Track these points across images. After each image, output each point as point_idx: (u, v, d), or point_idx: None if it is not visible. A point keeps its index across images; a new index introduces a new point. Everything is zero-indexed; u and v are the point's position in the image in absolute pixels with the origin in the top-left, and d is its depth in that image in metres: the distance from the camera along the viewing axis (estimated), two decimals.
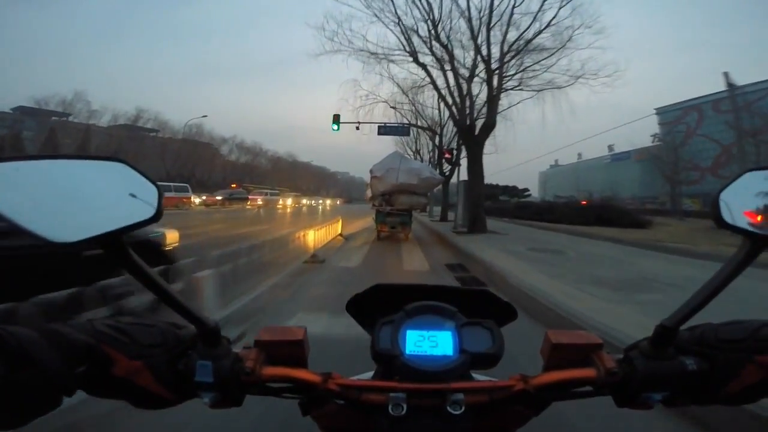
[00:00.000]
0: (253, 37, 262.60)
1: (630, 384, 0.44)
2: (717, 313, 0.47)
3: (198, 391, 0.43)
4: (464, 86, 13.33)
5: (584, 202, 25.71)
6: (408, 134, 22.46)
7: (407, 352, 0.48)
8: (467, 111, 13.18)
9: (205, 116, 58.39)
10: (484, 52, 12.97)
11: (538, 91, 13.92)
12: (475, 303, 0.55)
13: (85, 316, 2.87)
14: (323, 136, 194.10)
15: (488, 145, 13.29)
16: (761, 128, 26.07)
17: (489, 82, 12.79)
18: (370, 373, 0.56)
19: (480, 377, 0.53)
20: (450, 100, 13.52)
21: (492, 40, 12.86)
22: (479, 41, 13.02)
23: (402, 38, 13.70)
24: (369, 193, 12.42)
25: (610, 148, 64.49)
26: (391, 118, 20.56)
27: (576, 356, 0.47)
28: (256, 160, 74.84)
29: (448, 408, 0.43)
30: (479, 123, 13.30)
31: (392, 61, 14.97)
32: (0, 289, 2.50)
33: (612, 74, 13.15)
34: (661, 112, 52.43)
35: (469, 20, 12.93)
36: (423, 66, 13.97)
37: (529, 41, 12.74)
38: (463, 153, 16.84)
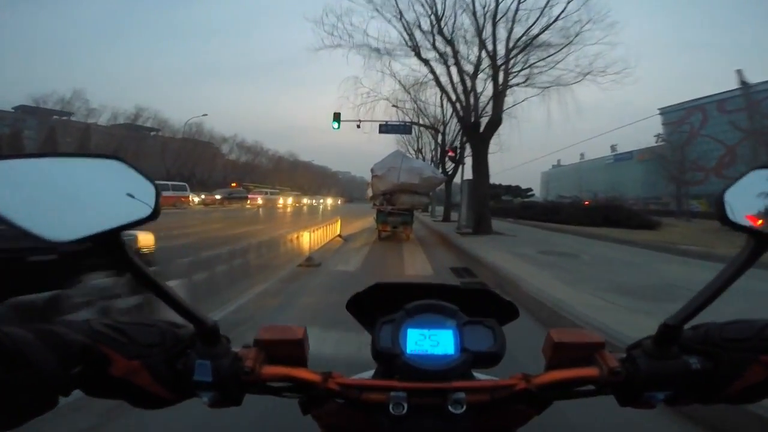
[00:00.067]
0: (254, 36, 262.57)
1: (633, 383, 0.44)
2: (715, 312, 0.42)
3: (197, 391, 0.43)
4: (468, 82, 12.87)
5: (587, 203, 25.29)
6: (410, 132, 22.05)
7: (408, 351, 0.47)
8: (472, 108, 12.70)
9: (205, 115, 58.23)
10: (490, 47, 12.52)
11: (546, 88, 13.44)
12: (476, 302, 0.54)
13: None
14: (324, 135, 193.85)
15: (492, 144, 12.82)
16: None
17: (495, 77, 12.32)
18: (371, 372, 0.55)
19: (481, 376, 0.52)
20: (453, 97, 13.06)
21: (497, 35, 12.43)
22: (484, 36, 12.59)
23: (404, 33, 13.27)
24: (370, 192, 12.22)
25: (613, 148, 64.01)
26: (392, 117, 20.25)
27: (578, 355, 0.46)
28: (256, 160, 74.37)
29: (450, 407, 0.42)
30: (484, 121, 12.84)
31: (393, 57, 14.54)
32: None
33: (621, 71, 12.66)
34: (665, 112, 51.96)
35: (474, 14, 12.49)
36: (426, 62, 13.50)
37: (535, 36, 12.26)
38: (467, 151, 16.42)
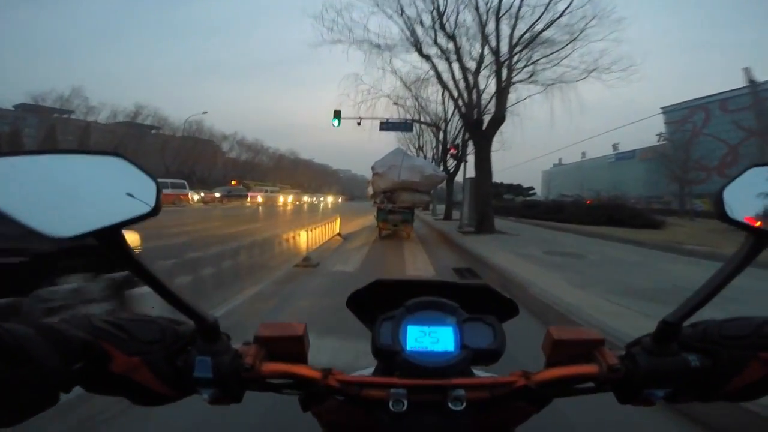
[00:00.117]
0: (254, 34, 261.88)
1: (632, 380, 0.44)
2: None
3: (197, 387, 0.43)
4: (471, 79, 12.59)
5: (589, 201, 25.06)
6: (411, 130, 21.79)
7: (408, 348, 0.47)
8: (474, 104, 12.44)
9: (205, 113, 57.72)
10: (493, 43, 12.22)
11: (550, 84, 13.15)
12: (476, 298, 0.54)
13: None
14: (325, 133, 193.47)
15: (495, 142, 12.52)
16: None
17: (498, 73, 12.03)
18: (371, 369, 0.55)
19: (481, 373, 0.52)
20: (455, 94, 12.80)
21: (500, 31, 12.13)
22: (487, 32, 12.30)
23: (405, 29, 13.00)
24: (370, 190, 12.11)
25: (615, 147, 63.73)
26: (393, 114, 20.02)
27: (578, 352, 0.46)
28: (257, 158, 74.11)
29: (449, 404, 0.42)
30: (486, 119, 12.56)
31: (394, 53, 14.29)
32: None
33: (627, 68, 12.37)
34: (667, 111, 51.74)
35: (477, 10, 12.21)
36: (427, 57, 13.24)
37: (539, 33, 11.98)
38: (469, 149, 16.18)
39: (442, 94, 19.01)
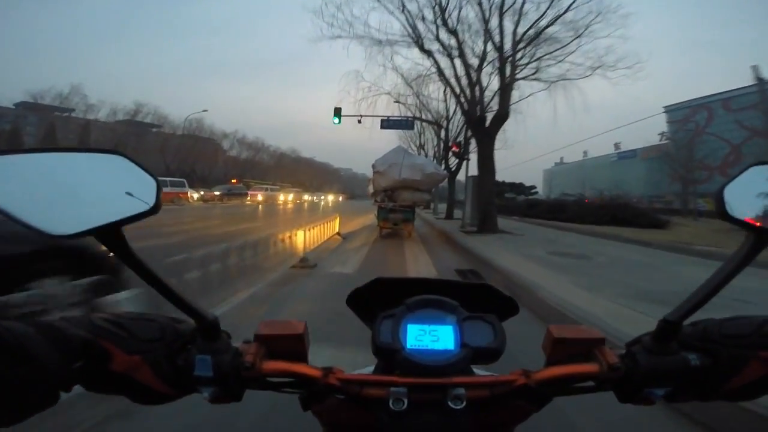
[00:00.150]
0: (255, 33, 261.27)
1: (632, 379, 0.43)
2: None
3: (197, 386, 0.43)
4: (473, 75, 12.33)
5: (587, 200, 24.82)
6: (412, 128, 21.50)
7: (408, 346, 0.47)
8: (477, 101, 12.18)
9: (206, 111, 56.63)
10: (497, 39, 11.97)
11: (554, 81, 12.88)
12: (476, 297, 0.54)
13: None
14: (326, 132, 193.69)
15: (497, 140, 12.26)
16: None
17: (502, 70, 11.75)
18: (371, 368, 0.55)
19: (481, 372, 0.52)
20: (458, 90, 12.53)
21: (504, 27, 11.85)
22: (490, 27, 12.04)
23: (406, 25, 12.73)
24: (371, 188, 12.00)
25: (617, 146, 63.34)
26: (394, 112, 19.76)
27: (578, 351, 0.46)
28: (258, 156, 73.81)
29: (449, 403, 0.42)
30: (489, 116, 12.28)
31: (395, 49, 14.03)
32: None
33: (633, 65, 12.09)
34: (669, 110, 51.41)
35: (480, 5, 11.93)
36: (429, 53, 12.98)
37: (544, 29, 11.71)
38: (471, 147, 15.93)
39: (444, 91, 18.84)
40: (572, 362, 0.45)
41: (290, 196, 45.16)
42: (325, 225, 8.90)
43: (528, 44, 11.92)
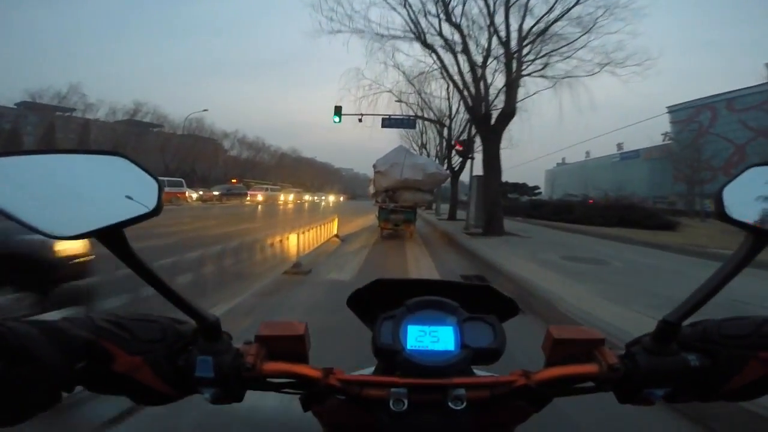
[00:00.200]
0: (256, 32, 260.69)
1: (632, 380, 0.43)
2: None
3: (198, 387, 0.43)
4: (478, 71, 11.84)
5: (591, 201, 24.35)
6: (414, 127, 21.05)
7: (408, 347, 0.47)
8: (482, 97, 11.68)
9: (206, 110, 56.03)
10: (502, 33, 11.47)
11: (562, 78, 12.36)
12: (476, 298, 0.54)
13: None
14: (327, 132, 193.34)
15: (502, 139, 11.78)
16: None
17: (508, 65, 11.27)
18: (372, 369, 0.55)
19: (481, 373, 0.51)
20: (461, 86, 12.04)
21: (510, 21, 11.34)
22: (496, 22, 11.56)
23: (409, 21, 12.26)
24: (372, 189, 11.74)
25: (619, 146, 62.75)
26: (395, 111, 19.31)
27: (578, 352, 0.46)
28: (258, 156, 73.39)
29: (450, 403, 0.42)
30: (494, 114, 11.77)
31: (397, 44, 13.57)
32: None
33: (643, 62, 11.57)
34: (673, 110, 50.84)
35: None
36: (432, 48, 12.50)
37: (552, 23, 11.22)
38: (476, 146, 15.45)
39: (447, 88, 18.36)
40: (572, 363, 0.45)
41: (291, 197, 44.68)
42: (323, 227, 8.42)
43: (535, 39, 11.44)
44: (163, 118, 53.64)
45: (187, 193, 26.93)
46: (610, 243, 10.07)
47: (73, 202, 0.34)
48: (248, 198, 37.08)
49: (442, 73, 14.13)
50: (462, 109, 19.12)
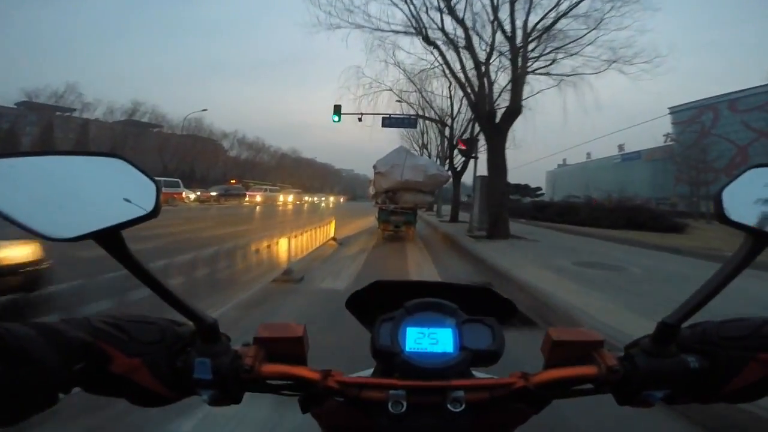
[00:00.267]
0: (256, 32, 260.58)
1: (631, 382, 0.43)
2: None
3: (197, 389, 0.43)
4: (482, 67, 11.40)
5: (595, 202, 23.98)
6: (415, 126, 20.63)
7: (407, 349, 0.47)
8: (486, 94, 11.24)
9: (205, 110, 55.62)
10: (507, 27, 11.04)
11: (568, 75, 11.95)
12: (475, 300, 0.53)
13: None
14: (328, 132, 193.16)
15: (506, 139, 11.36)
16: None
17: (514, 61, 10.83)
18: (370, 371, 0.54)
19: (480, 375, 0.51)
20: (464, 83, 11.60)
21: (515, 16, 10.90)
22: (500, 17, 11.13)
23: (410, 16, 11.83)
24: (372, 190, 11.57)
25: (621, 147, 62.37)
26: (396, 110, 18.92)
27: (577, 354, 0.46)
28: (258, 156, 73.01)
29: (449, 405, 0.42)
30: (498, 113, 11.33)
31: (398, 40, 13.14)
32: None
33: (652, 59, 11.15)
34: (674, 111, 50.48)
35: None
36: (434, 44, 12.06)
37: (559, 18, 10.78)
38: (479, 145, 15.00)
39: (449, 86, 17.93)
40: (571, 365, 0.44)
41: (290, 197, 44.20)
42: (319, 229, 7.97)
43: (541, 35, 11.02)
44: (161, 118, 53.42)
45: (184, 193, 26.49)
46: (621, 246, 9.63)
47: (71, 204, 0.34)
48: (246, 199, 36.63)
49: (443, 71, 13.78)
50: (464, 108, 18.74)
